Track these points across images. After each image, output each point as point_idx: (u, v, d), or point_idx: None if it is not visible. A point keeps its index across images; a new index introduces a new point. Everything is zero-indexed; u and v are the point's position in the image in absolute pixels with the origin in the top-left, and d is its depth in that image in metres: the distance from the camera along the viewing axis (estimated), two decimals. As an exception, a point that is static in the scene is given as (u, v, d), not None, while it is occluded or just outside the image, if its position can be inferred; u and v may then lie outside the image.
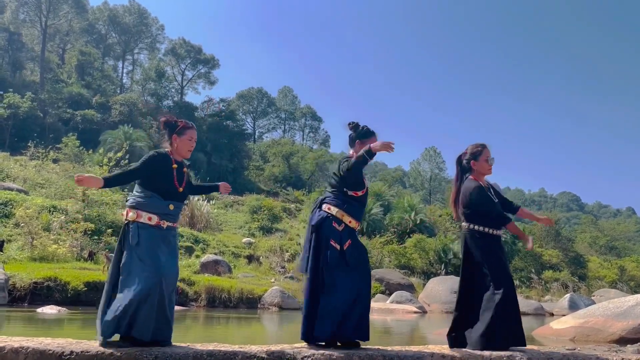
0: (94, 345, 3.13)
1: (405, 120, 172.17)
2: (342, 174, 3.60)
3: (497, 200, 3.96)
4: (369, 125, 3.81)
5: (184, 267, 14.21)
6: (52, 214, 15.41)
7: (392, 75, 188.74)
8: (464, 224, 3.95)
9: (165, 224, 3.43)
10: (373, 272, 15.73)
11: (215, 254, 17.07)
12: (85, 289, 9.92)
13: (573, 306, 14.14)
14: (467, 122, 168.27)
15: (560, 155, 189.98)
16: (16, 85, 37.78)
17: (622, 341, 6.13)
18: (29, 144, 28.49)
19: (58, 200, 17.54)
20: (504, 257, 3.89)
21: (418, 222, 27.91)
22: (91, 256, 13.50)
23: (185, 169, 3.62)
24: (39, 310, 8.35)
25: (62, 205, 16.47)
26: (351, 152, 3.80)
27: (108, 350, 2.99)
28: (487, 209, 3.85)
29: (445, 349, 3.55)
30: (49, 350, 2.97)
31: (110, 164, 16.83)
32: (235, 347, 3.22)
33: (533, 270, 25.89)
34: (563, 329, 7.20)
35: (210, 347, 3.21)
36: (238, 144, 46.06)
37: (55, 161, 27.03)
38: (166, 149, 3.58)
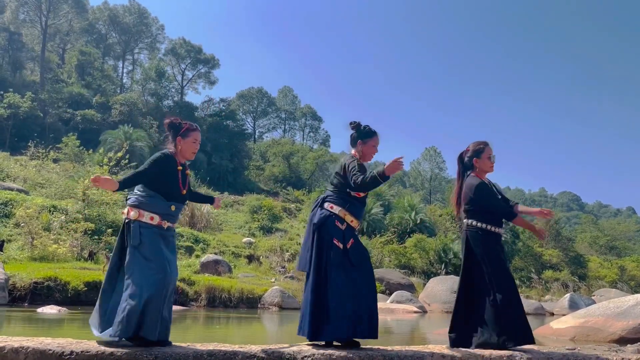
0: (94, 345, 3.13)
1: (405, 120, 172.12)
2: (352, 184, 3.56)
3: (500, 197, 3.95)
4: (369, 125, 3.81)
5: (184, 267, 14.23)
6: (52, 213, 15.43)
7: (393, 75, 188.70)
8: (465, 221, 3.93)
9: (166, 224, 3.45)
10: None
11: (216, 253, 17.07)
12: (86, 288, 9.93)
13: (573, 306, 14.17)
14: (467, 122, 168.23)
15: (561, 155, 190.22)
16: (16, 85, 37.79)
17: (622, 341, 6.13)
18: (29, 144, 28.45)
19: (58, 200, 17.56)
20: (503, 256, 3.87)
21: (418, 221, 27.94)
22: (91, 256, 13.52)
23: (187, 171, 3.63)
24: (39, 310, 8.35)
25: (62, 205, 16.49)
26: (353, 151, 3.79)
27: (108, 350, 2.99)
28: (492, 204, 3.84)
29: (445, 348, 3.54)
30: (49, 350, 2.97)
31: (111, 163, 16.82)
32: (236, 347, 3.22)
33: (533, 270, 25.93)
34: (563, 328, 7.21)
35: (211, 347, 3.21)
36: (238, 144, 46.08)
37: (55, 161, 27.03)
38: (170, 151, 3.57)
